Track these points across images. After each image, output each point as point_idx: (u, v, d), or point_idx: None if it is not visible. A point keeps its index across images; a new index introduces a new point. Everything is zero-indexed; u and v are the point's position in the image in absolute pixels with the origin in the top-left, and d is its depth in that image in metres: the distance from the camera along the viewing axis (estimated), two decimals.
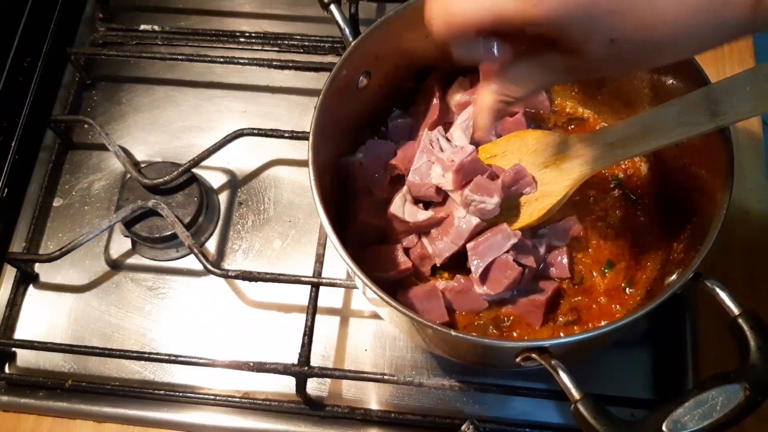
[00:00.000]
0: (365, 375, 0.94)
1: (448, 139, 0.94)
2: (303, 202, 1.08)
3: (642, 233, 0.95)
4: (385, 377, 0.92)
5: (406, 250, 0.93)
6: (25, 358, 1.01)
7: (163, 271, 1.06)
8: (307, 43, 1.18)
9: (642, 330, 0.98)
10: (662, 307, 0.74)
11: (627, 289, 0.92)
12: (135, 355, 0.97)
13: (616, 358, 0.97)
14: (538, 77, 0.68)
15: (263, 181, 1.11)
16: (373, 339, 1.00)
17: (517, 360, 0.75)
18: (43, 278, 1.06)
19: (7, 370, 1.01)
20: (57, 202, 1.10)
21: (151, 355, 0.97)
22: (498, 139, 0.97)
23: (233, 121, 1.14)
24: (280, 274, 0.98)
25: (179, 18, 1.23)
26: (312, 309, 0.95)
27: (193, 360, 0.95)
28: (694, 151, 0.86)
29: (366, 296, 0.88)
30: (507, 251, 0.87)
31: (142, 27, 1.21)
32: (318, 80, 1.10)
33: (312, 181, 0.80)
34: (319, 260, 0.98)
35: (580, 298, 0.92)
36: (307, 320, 0.95)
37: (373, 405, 0.96)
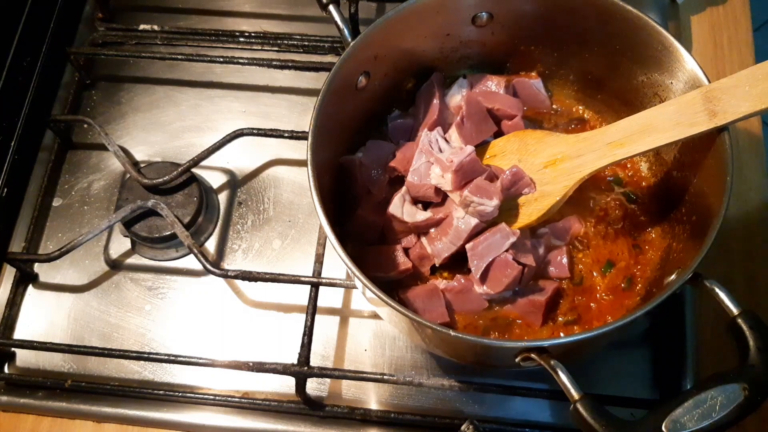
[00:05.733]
0: (365, 375, 0.94)
1: (447, 140, 0.94)
2: (303, 202, 1.08)
3: (642, 233, 0.95)
4: (385, 377, 0.92)
5: (406, 251, 0.93)
6: (24, 358, 1.01)
7: (163, 271, 1.06)
8: (306, 43, 1.18)
9: (642, 330, 0.98)
10: (662, 307, 0.74)
11: (627, 289, 0.92)
12: (135, 355, 0.97)
13: (616, 358, 0.97)
14: None
15: (263, 181, 1.10)
16: (372, 339, 1.00)
17: (517, 360, 0.75)
18: (42, 278, 1.06)
19: (6, 370, 1.01)
20: (56, 202, 1.10)
21: (151, 355, 0.96)
22: (497, 139, 0.97)
23: (233, 121, 1.13)
24: (279, 274, 0.98)
25: (179, 18, 1.23)
26: (312, 309, 0.95)
27: (193, 360, 0.95)
28: (694, 150, 0.86)
29: (365, 296, 0.88)
30: (506, 250, 0.87)
31: (142, 27, 1.21)
32: (318, 80, 1.10)
33: (311, 181, 0.80)
34: (319, 260, 0.98)
35: (580, 298, 0.92)
36: (306, 320, 0.94)
37: (373, 405, 0.96)
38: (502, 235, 0.87)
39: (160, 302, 1.04)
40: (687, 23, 1.17)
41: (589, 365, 0.95)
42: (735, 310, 0.73)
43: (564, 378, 0.71)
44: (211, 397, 0.97)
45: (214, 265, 0.99)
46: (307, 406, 0.95)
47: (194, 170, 1.06)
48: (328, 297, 1.01)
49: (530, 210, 0.91)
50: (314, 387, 0.97)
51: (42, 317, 1.03)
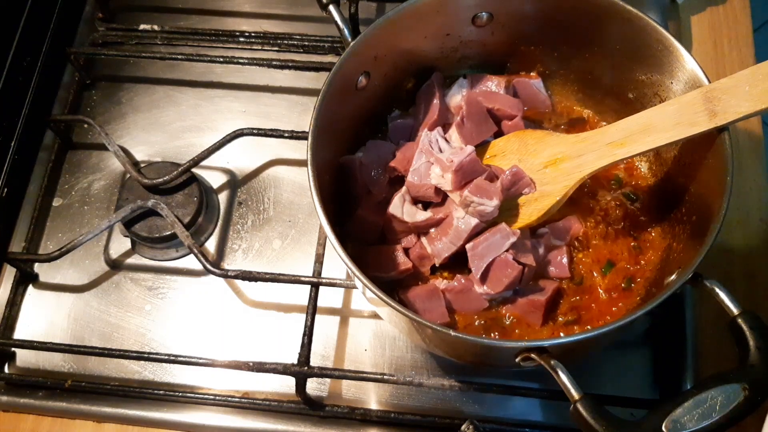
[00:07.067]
0: (365, 375, 0.94)
1: (447, 140, 0.94)
2: (303, 202, 1.08)
3: (642, 233, 0.95)
4: (385, 377, 0.92)
5: (406, 251, 0.93)
6: (24, 358, 1.01)
7: (163, 271, 1.06)
8: (306, 43, 1.18)
9: (642, 330, 0.98)
10: (662, 306, 0.74)
11: (627, 289, 0.92)
12: (135, 355, 0.97)
13: (616, 358, 0.97)
14: None
15: (263, 181, 1.10)
16: (373, 339, 1.00)
17: (517, 360, 0.75)
18: (42, 278, 1.06)
19: (6, 370, 1.01)
20: (57, 202, 1.10)
21: (151, 355, 0.96)
22: (498, 139, 0.97)
23: (233, 121, 1.13)
24: (279, 274, 0.98)
25: (179, 18, 1.23)
26: (312, 309, 0.95)
27: (193, 360, 0.95)
28: (694, 150, 0.86)
29: (365, 296, 0.88)
30: (506, 250, 0.87)
31: (142, 27, 1.21)
32: (318, 80, 1.10)
33: (311, 181, 0.80)
34: (319, 260, 0.98)
35: (580, 298, 0.92)
36: (306, 320, 0.94)
37: (373, 405, 0.96)
38: (502, 235, 0.87)
39: (160, 302, 1.04)
40: (687, 23, 1.17)
41: (589, 365, 0.95)
42: (735, 310, 0.73)
43: (564, 378, 0.71)
44: (211, 397, 0.97)
45: (214, 265, 0.99)
46: (307, 406, 0.95)
47: (194, 170, 1.06)
48: (328, 297, 1.01)
49: (530, 210, 0.91)
50: (314, 387, 0.97)
51: (42, 317, 1.03)
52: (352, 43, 0.88)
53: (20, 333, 1.03)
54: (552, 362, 0.71)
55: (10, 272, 1.05)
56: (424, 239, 0.93)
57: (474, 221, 0.88)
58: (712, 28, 1.16)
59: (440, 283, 0.91)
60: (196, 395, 0.97)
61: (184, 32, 1.21)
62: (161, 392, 0.97)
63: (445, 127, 0.98)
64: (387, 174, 0.96)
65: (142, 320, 1.02)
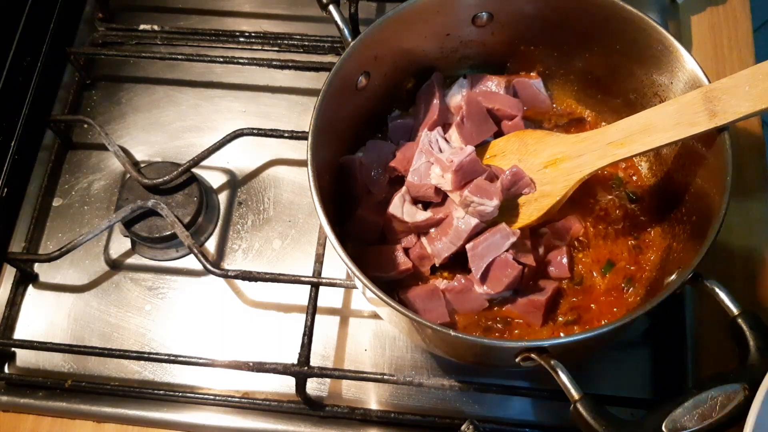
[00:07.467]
0: (365, 375, 0.94)
1: (447, 140, 0.94)
2: (303, 202, 1.08)
3: (642, 233, 0.95)
4: (385, 377, 0.92)
5: (406, 251, 0.93)
6: (24, 358, 1.01)
7: (163, 271, 1.06)
8: (306, 43, 1.18)
9: (642, 330, 0.98)
10: (662, 306, 0.74)
11: (627, 289, 0.92)
12: (135, 355, 0.97)
13: (616, 358, 0.97)
14: None
15: (263, 181, 1.10)
16: (373, 339, 1.00)
17: (517, 360, 0.75)
18: (42, 278, 1.06)
19: (6, 370, 1.01)
20: (57, 202, 1.10)
21: (151, 355, 0.96)
22: (497, 139, 0.97)
23: (233, 121, 1.13)
24: (279, 274, 0.98)
25: (179, 18, 1.23)
26: (312, 309, 0.95)
27: (193, 360, 0.95)
28: (694, 150, 0.86)
29: (365, 296, 0.88)
30: (506, 250, 0.87)
31: (142, 27, 1.21)
32: (318, 80, 1.10)
33: (311, 181, 0.80)
34: (319, 260, 0.98)
35: (580, 298, 0.92)
36: (306, 320, 0.94)
37: (373, 405, 0.96)
38: (502, 235, 0.87)
39: (160, 302, 1.04)
40: (687, 23, 1.17)
41: (589, 365, 0.95)
42: (735, 310, 0.73)
43: (564, 378, 0.71)
44: (211, 397, 0.97)
45: (214, 265, 0.99)
46: (307, 406, 0.95)
47: (194, 170, 1.06)
48: (328, 297, 1.01)
49: (530, 210, 0.91)
50: (314, 387, 0.97)
51: (42, 317, 1.03)
52: (352, 43, 0.88)
53: (20, 333, 1.03)
54: (552, 362, 0.71)
55: (10, 272, 1.05)
56: (424, 239, 0.93)
57: (474, 221, 0.88)
58: (712, 28, 1.16)
59: (440, 283, 0.91)
60: (196, 395, 0.97)
61: (184, 32, 1.20)
62: (161, 392, 0.97)
63: (445, 127, 0.98)
64: (387, 174, 0.96)
65: (142, 320, 1.02)
